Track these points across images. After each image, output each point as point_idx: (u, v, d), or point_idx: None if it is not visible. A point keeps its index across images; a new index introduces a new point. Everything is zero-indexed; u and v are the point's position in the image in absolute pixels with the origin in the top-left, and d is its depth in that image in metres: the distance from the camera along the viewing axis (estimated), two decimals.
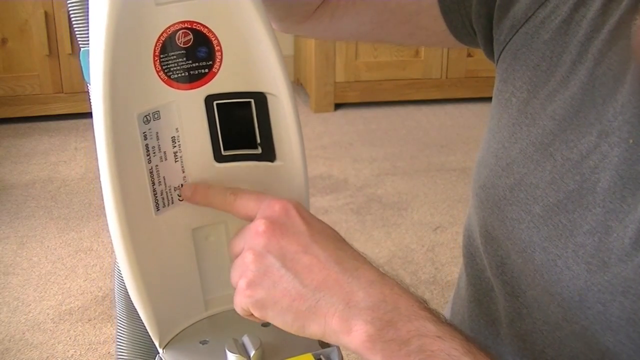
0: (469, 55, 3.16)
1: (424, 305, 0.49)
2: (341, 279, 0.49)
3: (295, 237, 0.50)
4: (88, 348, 1.72)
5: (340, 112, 3.17)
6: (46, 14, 2.78)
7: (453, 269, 2.04)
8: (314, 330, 0.49)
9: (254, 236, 0.51)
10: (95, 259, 2.07)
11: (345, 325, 0.47)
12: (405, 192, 2.48)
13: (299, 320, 0.49)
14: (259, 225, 0.51)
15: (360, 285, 0.48)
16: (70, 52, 2.83)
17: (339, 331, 0.48)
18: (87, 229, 2.22)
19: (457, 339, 0.46)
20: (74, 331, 1.77)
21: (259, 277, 0.50)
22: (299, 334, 0.50)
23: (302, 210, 0.52)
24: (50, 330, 1.77)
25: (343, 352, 0.55)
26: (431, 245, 2.16)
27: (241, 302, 0.51)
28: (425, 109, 3.21)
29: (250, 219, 0.53)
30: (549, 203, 0.54)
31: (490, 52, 0.65)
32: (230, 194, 0.55)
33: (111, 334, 1.76)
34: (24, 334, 1.76)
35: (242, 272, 0.51)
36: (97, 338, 1.75)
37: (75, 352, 1.71)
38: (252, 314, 0.52)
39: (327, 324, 0.48)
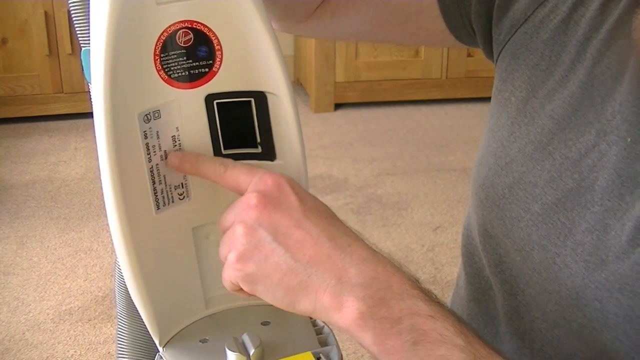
0: (469, 55, 3.16)
1: (416, 284, 0.48)
2: (333, 254, 0.48)
3: (288, 211, 0.50)
4: (88, 348, 1.72)
5: (340, 112, 3.17)
6: (46, 14, 2.78)
7: (453, 269, 2.03)
8: (304, 306, 0.48)
9: (246, 209, 0.50)
10: (95, 259, 2.07)
11: (337, 302, 0.46)
12: (405, 192, 2.49)
13: (290, 296, 0.48)
14: (251, 198, 0.50)
15: (352, 262, 0.48)
16: (70, 52, 2.83)
17: (330, 307, 0.47)
18: (87, 229, 2.22)
19: (449, 319, 0.46)
20: (74, 331, 1.78)
21: (250, 250, 0.49)
22: (288, 309, 0.49)
23: (295, 185, 0.52)
24: (50, 330, 1.77)
25: (342, 351, 0.55)
26: (431, 245, 2.16)
27: (230, 276, 0.50)
28: (425, 109, 3.21)
29: (241, 192, 0.52)
30: (547, 201, 0.54)
31: (489, 52, 0.65)
32: (220, 165, 0.54)
33: (111, 334, 1.76)
34: (24, 334, 1.76)
35: (232, 245, 0.50)
36: (97, 338, 1.75)
37: (75, 352, 1.71)
38: (241, 289, 0.51)
39: (317, 300, 0.47)
